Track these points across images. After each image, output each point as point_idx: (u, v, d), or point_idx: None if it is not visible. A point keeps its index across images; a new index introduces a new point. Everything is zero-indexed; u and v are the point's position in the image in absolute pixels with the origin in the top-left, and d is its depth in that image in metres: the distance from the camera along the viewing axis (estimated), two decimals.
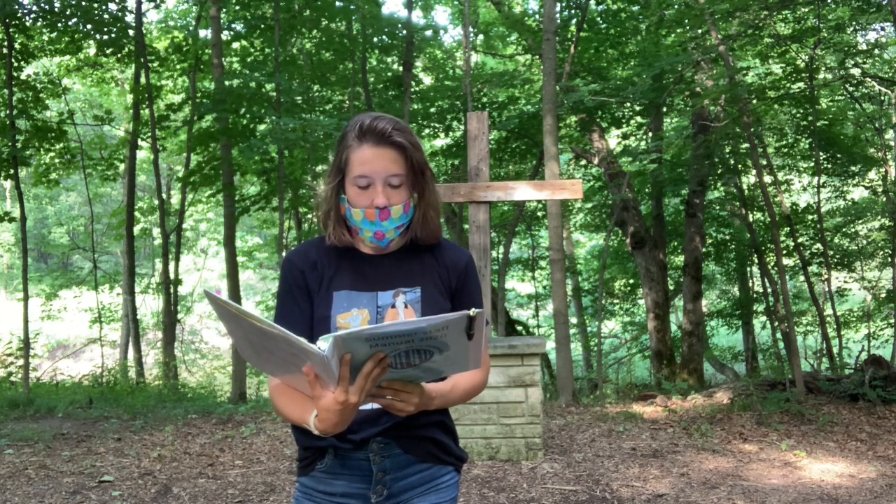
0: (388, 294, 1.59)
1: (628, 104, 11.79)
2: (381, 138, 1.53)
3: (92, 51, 12.08)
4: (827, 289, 11.71)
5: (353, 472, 1.58)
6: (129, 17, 10.80)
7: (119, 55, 10.91)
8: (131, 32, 10.70)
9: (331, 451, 1.58)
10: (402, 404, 1.41)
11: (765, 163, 10.57)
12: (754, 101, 9.35)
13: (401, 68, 12.86)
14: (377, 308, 1.58)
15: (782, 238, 11.21)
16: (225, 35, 11.61)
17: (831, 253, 12.42)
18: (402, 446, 1.58)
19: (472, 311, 1.27)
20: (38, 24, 10.04)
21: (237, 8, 11.44)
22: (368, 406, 1.52)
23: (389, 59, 14.22)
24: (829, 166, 12.28)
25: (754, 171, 10.17)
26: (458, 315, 1.26)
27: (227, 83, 10.27)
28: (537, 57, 12.84)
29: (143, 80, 11.26)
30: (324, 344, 1.27)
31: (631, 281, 16.01)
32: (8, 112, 9.27)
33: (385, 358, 1.30)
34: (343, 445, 1.56)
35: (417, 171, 1.58)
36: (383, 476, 1.58)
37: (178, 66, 12.86)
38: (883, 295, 13.29)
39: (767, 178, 10.30)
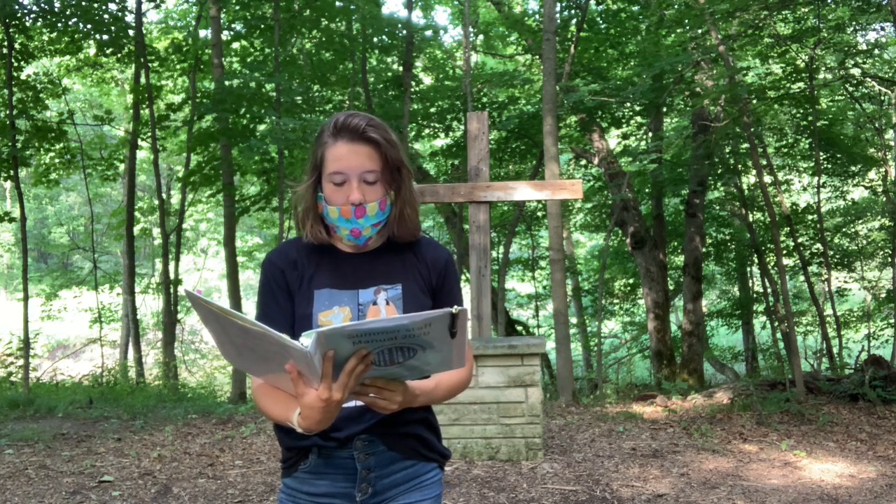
0: (369, 291, 1.59)
1: (628, 104, 11.78)
2: (355, 135, 1.53)
3: (92, 51, 12.07)
4: (827, 289, 11.71)
5: (338, 471, 1.58)
6: (129, 17, 10.81)
7: (119, 55, 10.90)
8: (131, 32, 10.69)
9: (315, 451, 1.57)
10: (385, 402, 1.41)
11: (765, 163, 10.57)
12: (754, 101, 9.35)
13: (401, 68, 12.84)
14: (358, 305, 1.58)
15: (782, 238, 11.21)
16: (225, 35, 11.61)
17: (831, 253, 12.42)
18: (386, 443, 1.57)
19: (455, 309, 1.27)
20: (38, 24, 10.04)
21: (237, 8, 11.43)
22: (352, 403, 1.51)
23: (389, 59, 14.20)
24: (829, 166, 12.29)
25: (754, 171, 10.17)
26: (441, 312, 1.26)
27: (227, 83, 10.27)
28: (537, 57, 12.84)
29: (143, 80, 11.26)
30: (306, 340, 1.26)
31: (631, 281, 16.01)
32: (8, 112, 9.27)
33: (368, 355, 1.30)
34: (327, 444, 1.55)
35: (393, 168, 1.57)
36: (368, 474, 1.57)
37: (178, 67, 12.85)
38: (883, 295, 13.31)
39: (767, 178, 10.30)
